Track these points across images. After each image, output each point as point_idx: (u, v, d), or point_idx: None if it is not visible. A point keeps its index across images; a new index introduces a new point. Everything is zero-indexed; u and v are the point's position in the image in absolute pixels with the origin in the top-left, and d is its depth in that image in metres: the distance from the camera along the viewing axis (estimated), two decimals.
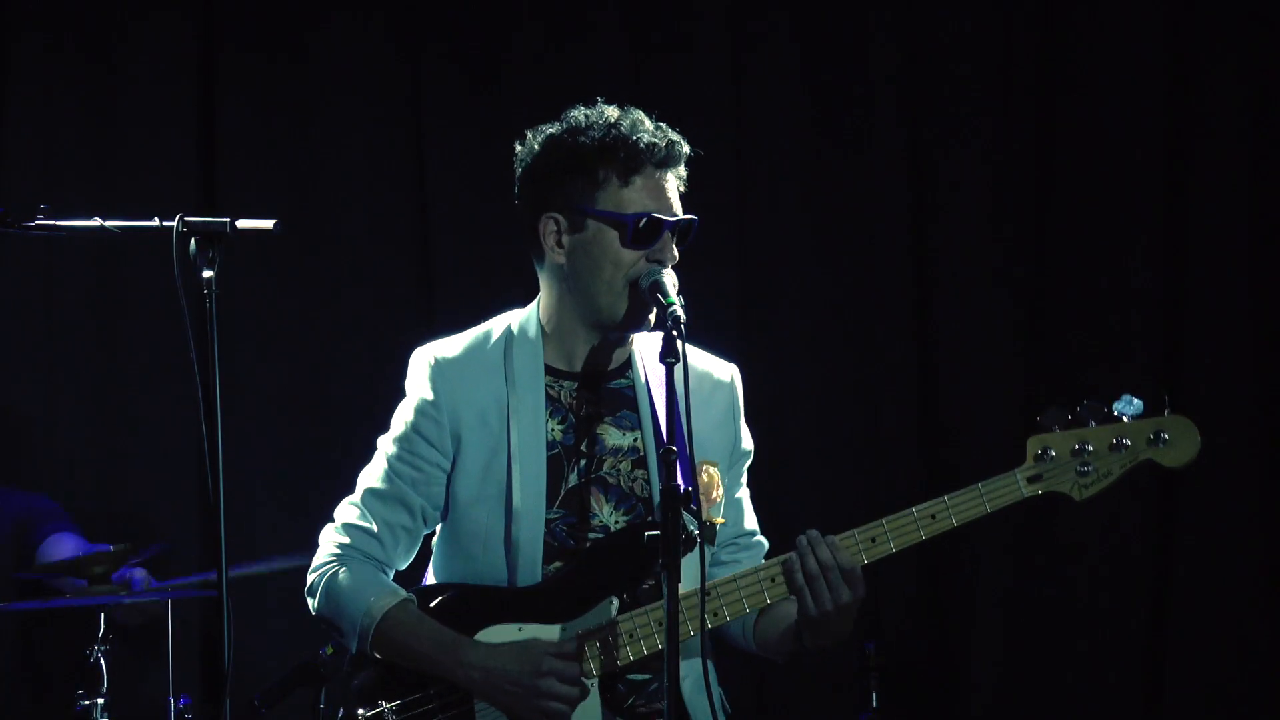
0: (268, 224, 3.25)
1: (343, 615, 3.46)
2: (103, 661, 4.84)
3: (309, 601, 3.55)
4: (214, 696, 5.35)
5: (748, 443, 3.61)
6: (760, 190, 5.77)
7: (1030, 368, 5.67)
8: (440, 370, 3.50)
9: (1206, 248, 5.60)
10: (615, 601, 3.40)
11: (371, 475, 3.54)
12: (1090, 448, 3.30)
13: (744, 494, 3.61)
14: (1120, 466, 3.32)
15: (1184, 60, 5.62)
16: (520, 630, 3.40)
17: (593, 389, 3.50)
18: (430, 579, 3.58)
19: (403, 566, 3.57)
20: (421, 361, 3.53)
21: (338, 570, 3.49)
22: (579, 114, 3.47)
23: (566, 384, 3.50)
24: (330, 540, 3.53)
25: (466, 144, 5.81)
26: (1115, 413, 3.32)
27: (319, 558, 3.53)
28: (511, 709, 3.36)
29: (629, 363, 3.52)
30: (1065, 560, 5.66)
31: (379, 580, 3.48)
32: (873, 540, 3.33)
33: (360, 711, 3.45)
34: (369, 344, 5.79)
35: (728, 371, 3.61)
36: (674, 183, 3.45)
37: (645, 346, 3.53)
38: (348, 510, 3.54)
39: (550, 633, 3.39)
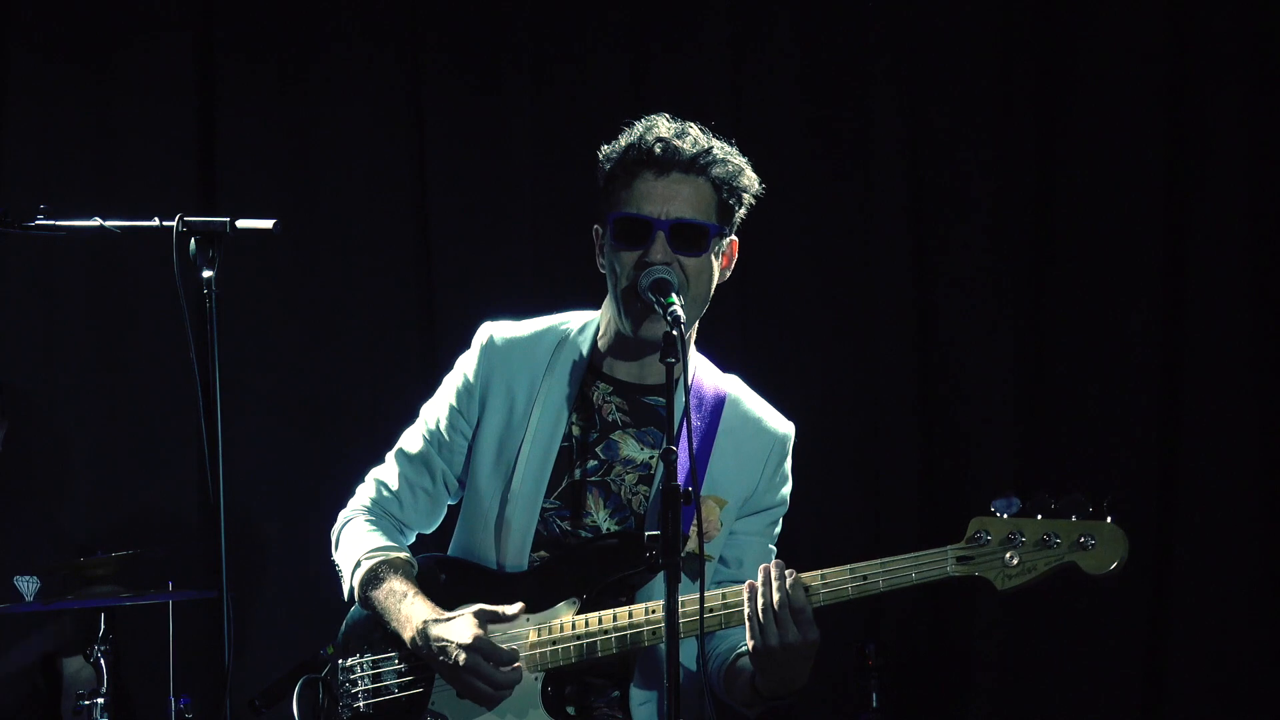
0: (268, 224, 3.26)
1: (340, 562, 3.62)
2: (103, 661, 4.84)
3: (331, 543, 3.69)
4: (214, 696, 5.35)
5: (777, 494, 3.59)
6: (760, 206, 5.75)
7: (1030, 378, 5.67)
8: (489, 346, 3.60)
9: (1207, 258, 5.60)
10: (577, 602, 3.43)
11: (407, 436, 3.68)
12: (1023, 539, 3.25)
13: (770, 547, 3.58)
14: (1045, 564, 3.24)
15: (1184, 75, 5.62)
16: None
17: (628, 399, 3.54)
18: (449, 550, 3.66)
19: (425, 529, 3.68)
20: (479, 336, 3.64)
21: (351, 520, 3.65)
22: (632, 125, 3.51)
23: (604, 387, 3.55)
24: (361, 492, 3.69)
25: (467, 145, 5.81)
26: (1058, 508, 3.28)
27: (348, 505, 3.68)
28: (448, 676, 3.41)
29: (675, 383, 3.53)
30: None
31: (382, 535, 3.60)
32: (805, 590, 3.29)
33: (341, 660, 3.57)
34: (369, 344, 5.79)
35: (780, 425, 3.61)
36: (684, 188, 3.44)
37: (697, 370, 3.55)
38: (381, 466, 3.69)
39: (519, 620, 3.43)
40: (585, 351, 3.55)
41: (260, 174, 5.81)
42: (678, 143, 3.44)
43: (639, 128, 3.48)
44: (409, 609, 3.45)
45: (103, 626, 4.88)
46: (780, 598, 3.24)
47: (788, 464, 3.61)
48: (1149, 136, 5.63)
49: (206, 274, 3.18)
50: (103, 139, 5.81)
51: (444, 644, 3.37)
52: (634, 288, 3.40)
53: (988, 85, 5.72)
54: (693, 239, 3.44)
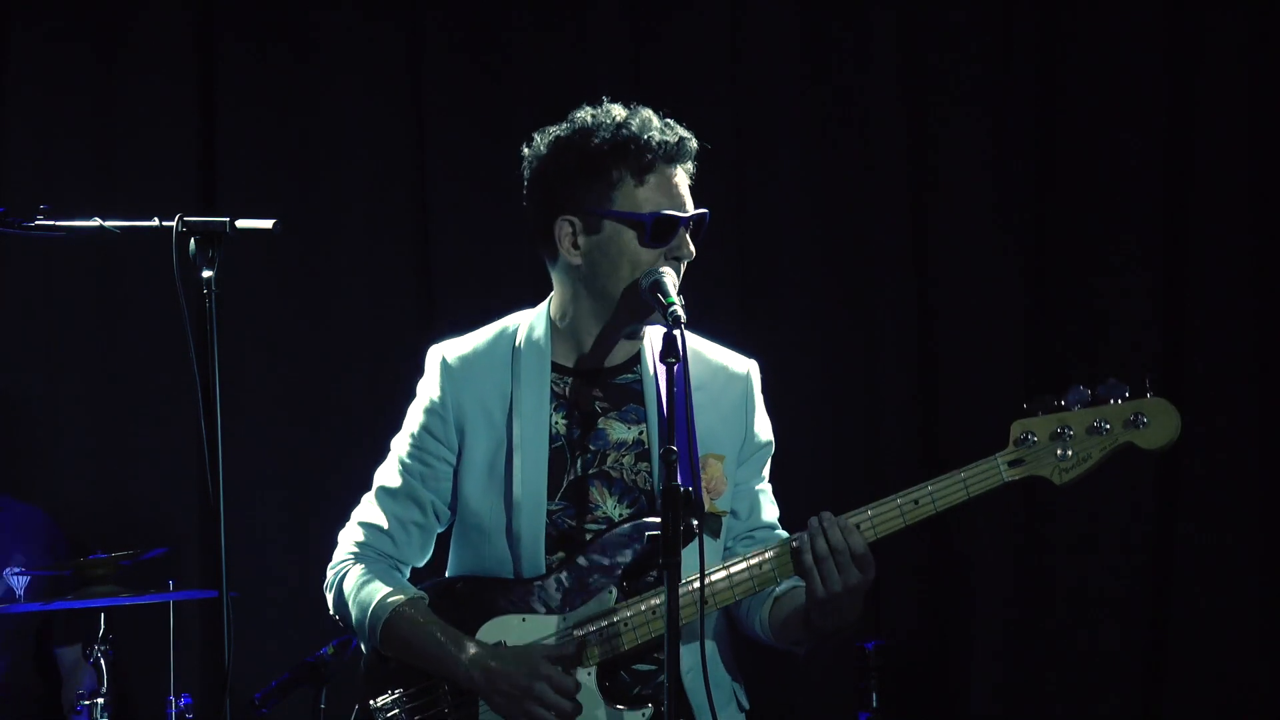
0: (268, 224, 3.25)
1: (352, 613, 3.53)
2: (103, 661, 4.84)
3: (326, 598, 3.61)
4: (214, 696, 5.35)
5: (765, 435, 3.60)
6: (760, 182, 5.77)
7: (1031, 360, 5.67)
8: (447, 367, 3.56)
9: (1207, 243, 5.60)
10: (614, 591, 3.42)
11: (384, 473, 3.60)
12: (1071, 431, 3.27)
13: (764, 487, 3.60)
14: (1100, 450, 3.27)
15: (1185, 52, 5.62)
16: (524, 620, 3.44)
17: (599, 384, 3.52)
18: (447, 573, 3.60)
19: (419, 563, 3.62)
20: (432, 359, 3.59)
21: (350, 568, 3.56)
22: (586, 115, 3.47)
23: (572, 380, 3.53)
24: (347, 538, 3.60)
25: (467, 142, 5.81)
26: (1098, 396, 3.30)
27: (336, 555, 3.60)
28: (508, 710, 3.39)
29: (637, 357, 3.53)
30: (1065, 560, 5.66)
31: (388, 578, 3.53)
32: (857, 527, 3.32)
33: (372, 702, 3.50)
34: (369, 344, 5.80)
35: (744, 365, 3.61)
36: (684, 178, 3.45)
37: (655, 341, 3.52)
38: (363, 508, 3.61)
39: (550, 623, 3.42)
40: (545, 349, 3.52)
41: (260, 173, 5.82)
42: (683, 134, 3.44)
43: (612, 120, 3.42)
44: (452, 647, 3.41)
45: (103, 626, 4.88)
46: (837, 543, 3.27)
47: (760, 400, 3.60)
48: (1152, 79, 5.62)
49: (206, 274, 3.17)
50: (103, 138, 5.82)
51: (506, 674, 3.35)
52: (635, 287, 3.40)
53: (989, 28, 5.71)
54: (701, 229, 3.47)
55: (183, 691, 4.98)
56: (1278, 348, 5.57)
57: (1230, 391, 5.56)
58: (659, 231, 3.40)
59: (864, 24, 5.77)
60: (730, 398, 3.55)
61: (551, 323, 3.54)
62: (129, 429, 5.78)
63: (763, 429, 3.60)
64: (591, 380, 3.52)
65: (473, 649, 3.40)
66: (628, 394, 3.52)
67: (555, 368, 3.52)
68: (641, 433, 3.50)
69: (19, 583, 5.32)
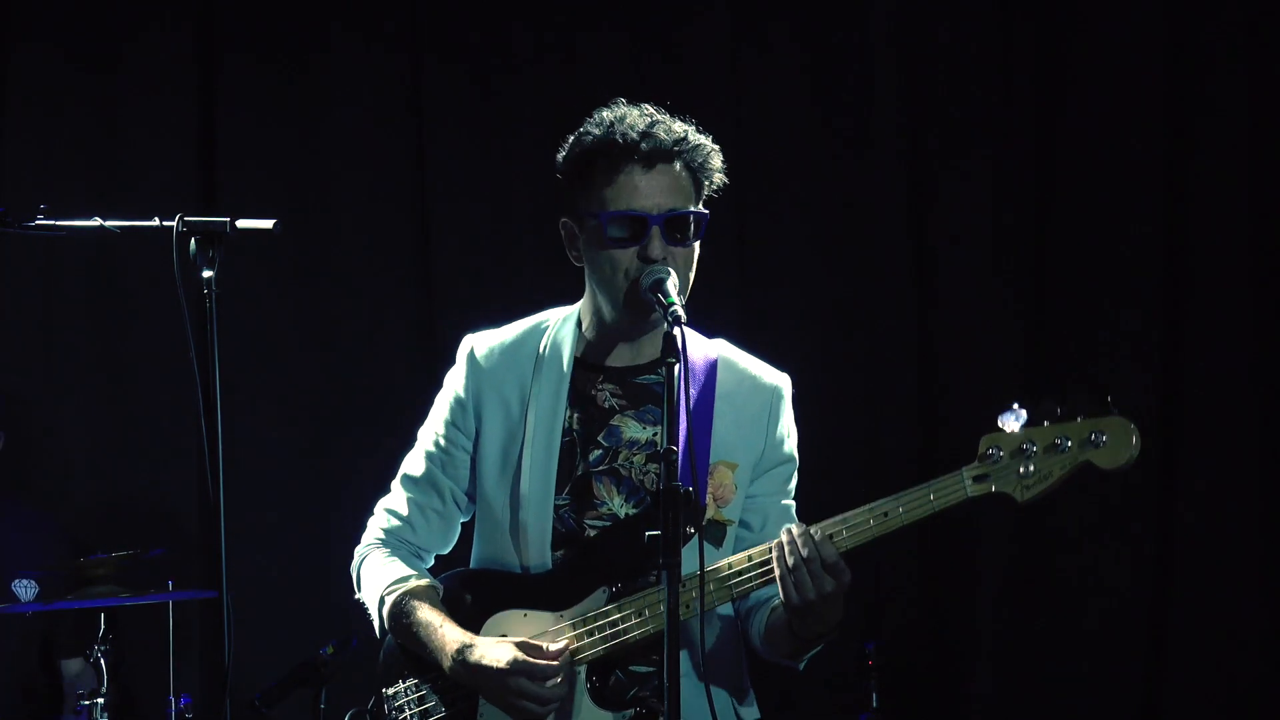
0: (268, 224, 3.25)
1: (366, 599, 3.60)
2: (103, 661, 4.84)
3: (353, 582, 3.66)
4: (214, 696, 5.35)
5: (788, 450, 3.58)
6: (760, 188, 5.77)
7: (1030, 362, 5.68)
8: (473, 357, 3.60)
9: (1207, 243, 5.60)
10: (608, 591, 3.42)
11: (410, 461, 3.65)
12: (1035, 448, 3.27)
13: (787, 504, 3.58)
14: (1060, 468, 3.26)
15: (1184, 57, 5.63)
16: (525, 616, 3.45)
17: (620, 382, 3.53)
18: (470, 565, 3.63)
19: (442, 550, 3.66)
20: (462, 349, 3.63)
21: (370, 553, 3.62)
22: (596, 116, 3.49)
23: (593, 377, 3.54)
24: (373, 524, 3.66)
25: (467, 144, 5.81)
26: (1062, 412, 3.29)
27: (362, 539, 3.66)
28: (493, 702, 3.41)
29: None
30: (1064, 561, 5.66)
31: (402, 566, 3.57)
32: (830, 538, 3.31)
33: (385, 690, 3.54)
34: (369, 344, 5.80)
35: (775, 378, 3.60)
36: (667, 178, 3.43)
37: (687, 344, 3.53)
38: (388, 496, 3.66)
39: (548, 620, 3.43)
40: (570, 345, 3.54)
41: (260, 174, 5.82)
42: (658, 132, 3.42)
43: (606, 119, 3.44)
44: (440, 639, 3.43)
45: (103, 626, 4.88)
46: (809, 554, 3.26)
47: (789, 415, 3.59)
48: (1151, 84, 5.63)
49: (206, 274, 3.17)
50: (103, 138, 5.82)
51: (484, 669, 3.36)
52: (635, 287, 3.39)
53: (989, 35, 5.72)
54: (685, 229, 3.44)
55: (183, 692, 4.98)
56: (1277, 352, 5.57)
57: (1230, 394, 5.56)
58: (616, 229, 3.40)
59: (864, 27, 5.77)
60: (753, 408, 3.54)
61: (580, 321, 3.57)
62: (129, 429, 5.78)
63: (787, 444, 3.58)
64: (613, 378, 3.54)
65: (456, 640, 3.41)
66: (647, 394, 3.53)
67: (579, 364, 3.54)
68: (656, 434, 3.50)
69: (27, 593, 5.33)
